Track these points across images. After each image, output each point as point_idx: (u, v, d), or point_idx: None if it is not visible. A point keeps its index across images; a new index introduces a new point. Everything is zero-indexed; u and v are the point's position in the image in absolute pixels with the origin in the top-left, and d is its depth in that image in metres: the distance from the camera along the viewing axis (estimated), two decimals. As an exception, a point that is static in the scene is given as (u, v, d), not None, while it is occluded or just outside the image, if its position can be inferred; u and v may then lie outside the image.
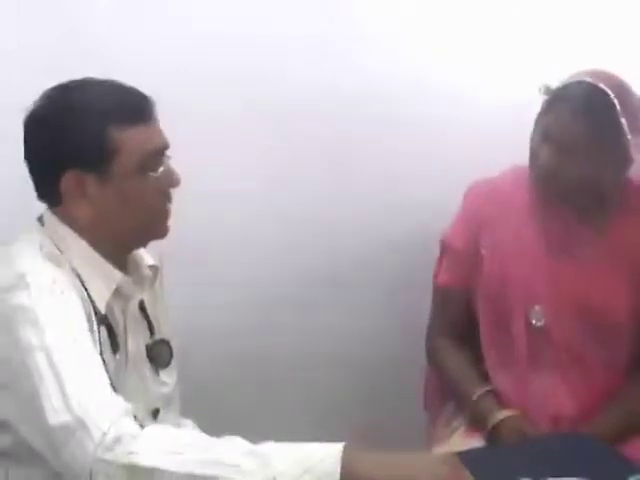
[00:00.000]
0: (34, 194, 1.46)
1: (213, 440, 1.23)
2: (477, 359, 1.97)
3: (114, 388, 1.30)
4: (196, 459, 1.18)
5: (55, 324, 1.27)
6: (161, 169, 1.43)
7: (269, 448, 1.22)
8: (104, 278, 1.42)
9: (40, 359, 1.24)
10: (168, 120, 1.47)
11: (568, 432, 1.79)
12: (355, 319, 2.25)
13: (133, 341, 1.50)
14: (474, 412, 1.90)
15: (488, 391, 1.90)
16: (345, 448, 1.22)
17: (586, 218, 1.87)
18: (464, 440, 1.88)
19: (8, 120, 1.45)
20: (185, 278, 1.94)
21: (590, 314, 1.85)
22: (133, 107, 1.41)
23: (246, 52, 2.02)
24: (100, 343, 1.38)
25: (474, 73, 2.18)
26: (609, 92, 1.74)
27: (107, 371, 1.32)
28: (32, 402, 1.23)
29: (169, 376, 1.58)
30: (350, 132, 2.14)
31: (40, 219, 1.46)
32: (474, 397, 1.89)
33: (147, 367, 1.53)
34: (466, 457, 1.62)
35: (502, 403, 1.89)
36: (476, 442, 1.85)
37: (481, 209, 1.95)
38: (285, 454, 1.21)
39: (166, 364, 1.56)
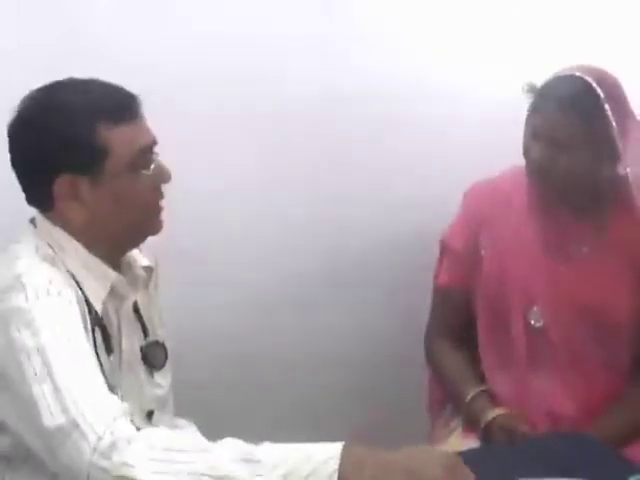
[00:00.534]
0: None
1: (208, 446, 1.21)
2: (475, 360, 1.97)
3: (111, 389, 1.30)
4: (190, 471, 1.16)
5: (51, 325, 1.27)
6: (152, 166, 1.43)
7: (265, 452, 1.20)
8: (99, 278, 1.42)
9: (36, 361, 1.24)
10: (167, 120, 1.47)
11: (568, 432, 1.79)
12: (355, 319, 2.25)
13: (127, 342, 1.49)
14: (468, 412, 1.90)
15: (482, 391, 1.91)
16: (344, 448, 1.21)
17: (584, 218, 1.87)
18: (462, 441, 1.88)
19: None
20: (184, 278, 1.94)
21: (589, 314, 1.85)
22: (120, 106, 1.41)
23: (246, 52, 2.02)
24: (95, 344, 1.38)
25: (474, 73, 2.18)
26: (593, 83, 1.75)
27: (103, 372, 1.32)
28: (28, 404, 1.22)
29: (163, 378, 1.57)
30: (350, 132, 2.14)
31: (32, 221, 1.45)
32: (468, 397, 1.90)
33: (141, 369, 1.52)
34: (465, 457, 1.62)
35: (498, 403, 1.89)
36: (474, 443, 1.85)
37: (481, 209, 1.95)
38: (281, 459, 1.19)
39: (160, 366, 1.56)
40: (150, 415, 1.53)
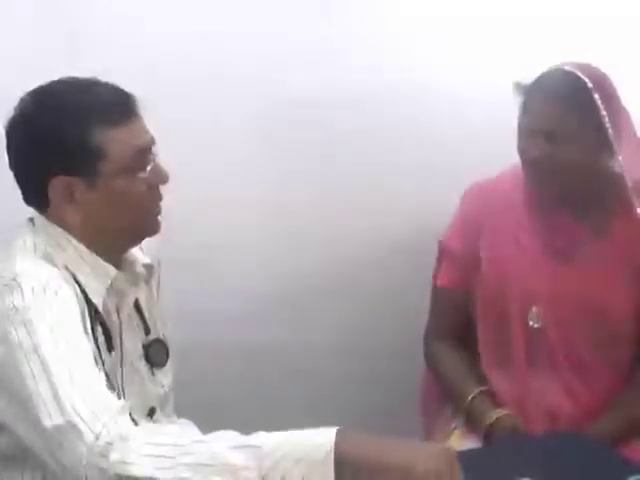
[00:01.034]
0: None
1: (204, 438, 1.20)
2: (474, 361, 1.97)
3: (112, 387, 1.30)
4: (189, 463, 1.15)
5: (48, 324, 1.26)
6: (149, 167, 1.42)
7: (260, 439, 1.20)
8: (98, 275, 1.41)
9: (33, 360, 1.23)
10: (166, 121, 1.47)
11: (567, 432, 1.79)
12: (355, 320, 2.25)
13: (128, 340, 1.49)
14: (469, 413, 1.90)
15: (482, 392, 1.90)
16: (338, 432, 1.20)
17: (584, 219, 1.87)
18: (462, 441, 1.88)
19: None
20: (184, 280, 1.94)
21: (589, 315, 1.85)
22: (116, 107, 1.39)
23: (246, 53, 2.02)
24: (97, 342, 1.38)
25: (474, 73, 2.17)
26: (580, 74, 1.76)
27: (105, 370, 1.32)
28: (27, 404, 1.22)
29: (165, 376, 1.57)
30: (349, 133, 2.14)
31: (31, 220, 1.45)
32: (468, 398, 1.90)
33: (143, 366, 1.52)
34: (465, 457, 1.62)
35: (498, 403, 1.89)
36: (474, 443, 1.85)
37: (479, 210, 1.95)
38: (277, 444, 1.19)
39: (162, 364, 1.55)
40: (152, 413, 1.53)
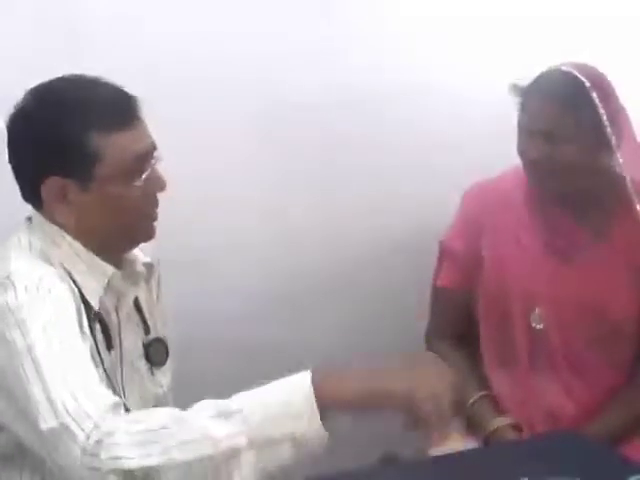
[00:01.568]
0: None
1: (185, 415, 1.18)
2: (475, 361, 1.97)
3: (111, 386, 1.30)
4: (176, 444, 1.15)
5: (42, 324, 1.26)
6: (145, 175, 1.40)
7: (240, 402, 1.20)
8: (95, 273, 1.40)
9: (27, 362, 1.22)
10: (166, 122, 1.46)
11: (568, 432, 1.79)
12: (355, 320, 2.25)
13: (128, 339, 1.48)
14: (469, 417, 1.90)
15: (484, 396, 1.90)
16: (314, 370, 1.23)
17: (585, 219, 1.87)
18: (462, 441, 1.87)
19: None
20: (184, 280, 1.93)
21: (590, 316, 1.85)
22: (118, 111, 1.38)
23: (245, 53, 2.02)
24: (95, 340, 1.37)
25: (474, 73, 2.18)
26: (577, 73, 1.77)
27: (104, 369, 1.31)
28: (23, 406, 1.22)
29: (164, 376, 1.56)
30: (349, 133, 2.14)
31: (29, 219, 1.44)
32: (469, 402, 1.89)
33: (143, 365, 1.51)
34: (465, 457, 1.62)
35: (499, 406, 1.89)
36: (474, 443, 1.85)
37: (480, 210, 1.95)
38: (257, 403, 1.19)
39: (162, 363, 1.55)
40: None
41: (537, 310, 1.87)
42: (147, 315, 1.55)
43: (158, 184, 1.42)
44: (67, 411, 1.18)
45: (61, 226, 1.40)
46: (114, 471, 1.14)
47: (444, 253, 2.02)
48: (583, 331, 1.86)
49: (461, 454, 1.72)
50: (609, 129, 1.75)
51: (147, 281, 1.55)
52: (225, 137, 2.03)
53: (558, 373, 1.88)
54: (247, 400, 1.21)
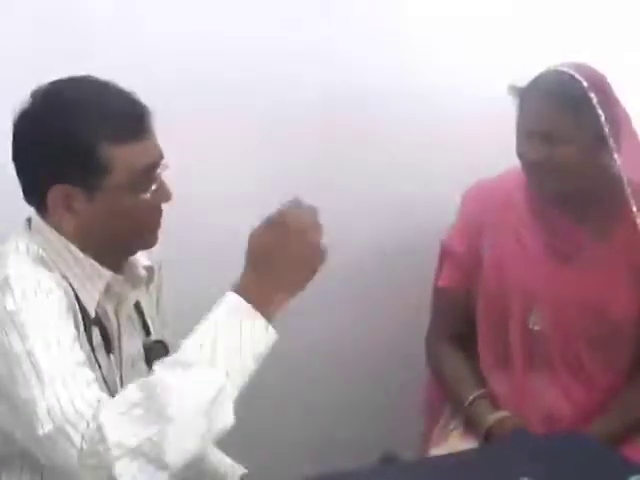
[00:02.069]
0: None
1: (151, 384, 1.20)
2: (475, 361, 1.97)
3: (108, 389, 1.30)
4: (159, 409, 1.17)
5: (40, 328, 1.25)
6: (153, 187, 1.39)
7: (191, 352, 1.23)
8: (93, 278, 1.40)
9: (26, 366, 1.22)
10: (166, 121, 1.46)
11: (567, 432, 1.79)
12: (355, 319, 2.24)
13: (128, 342, 1.48)
14: (468, 415, 1.90)
15: (482, 394, 1.90)
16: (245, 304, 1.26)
17: (585, 220, 1.87)
18: (462, 440, 1.88)
19: (7, 121, 1.44)
20: (184, 280, 1.93)
21: (589, 317, 1.85)
22: (129, 124, 1.37)
23: (245, 53, 2.02)
24: (93, 344, 1.37)
25: (474, 72, 2.17)
26: (575, 74, 1.77)
27: (101, 373, 1.31)
28: (21, 410, 1.22)
29: None
30: (349, 133, 2.14)
31: (28, 221, 1.43)
32: (468, 400, 1.90)
33: (144, 368, 1.50)
34: (465, 457, 1.62)
35: (497, 405, 1.89)
36: (474, 443, 1.85)
37: (481, 210, 1.95)
38: (208, 347, 1.22)
39: None
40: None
41: (536, 311, 1.87)
42: (148, 318, 1.55)
43: (164, 195, 1.42)
44: (64, 414, 1.18)
45: (62, 232, 1.39)
46: (119, 459, 1.15)
47: (444, 253, 2.02)
48: (582, 332, 1.86)
49: (461, 454, 1.73)
50: (608, 129, 1.75)
51: (147, 284, 1.55)
52: (225, 137, 2.03)
53: (556, 374, 1.88)
54: (196, 347, 1.23)
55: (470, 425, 1.90)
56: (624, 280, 1.86)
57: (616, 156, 1.76)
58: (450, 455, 1.77)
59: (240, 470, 1.69)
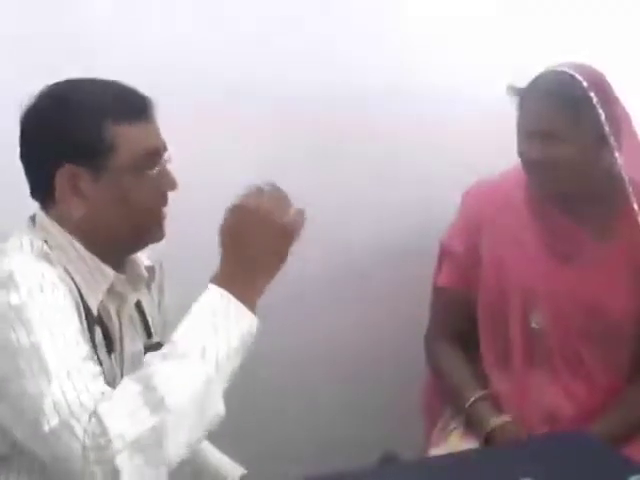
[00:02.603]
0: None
1: (149, 380, 1.21)
2: (475, 361, 1.97)
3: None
4: (161, 398, 1.19)
5: (46, 323, 1.25)
6: (157, 170, 1.41)
7: (183, 345, 1.25)
8: (97, 277, 1.40)
9: (34, 361, 1.22)
10: (167, 120, 1.46)
11: (568, 432, 1.79)
12: (355, 319, 2.24)
13: (129, 342, 1.48)
14: (469, 417, 1.90)
15: (483, 396, 1.90)
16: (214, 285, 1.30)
17: (585, 220, 1.86)
18: (462, 441, 1.88)
19: (7, 120, 1.44)
20: (184, 280, 1.93)
21: (590, 316, 1.85)
22: (132, 105, 1.40)
23: (246, 53, 2.02)
24: (95, 343, 1.37)
25: (474, 72, 2.18)
26: (575, 73, 1.77)
27: (103, 372, 1.32)
28: (25, 406, 1.22)
29: None
30: (350, 132, 2.14)
31: (32, 218, 1.43)
32: (469, 402, 1.89)
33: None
34: (465, 457, 1.62)
35: (499, 406, 1.89)
36: (474, 443, 1.85)
37: (480, 210, 1.95)
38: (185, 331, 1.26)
39: None
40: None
41: (536, 310, 1.87)
42: (150, 318, 1.55)
43: (169, 182, 1.43)
44: (69, 407, 1.18)
45: (68, 222, 1.40)
46: (120, 451, 1.15)
47: (444, 252, 2.02)
48: (582, 331, 1.86)
49: (461, 454, 1.73)
50: (608, 129, 1.75)
51: (148, 285, 1.55)
52: (224, 136, 2.03)
53: (557, 373, 1.88)
54: (189, 342, 1.26)
55: (470, 426, 1.89)
56: (624, 279, 1.86)
57: (617, 155, 1.76)
58: (450, 455, 1.77)
59: (240, 470, 1.69)
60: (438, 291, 2.03)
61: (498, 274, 1.91)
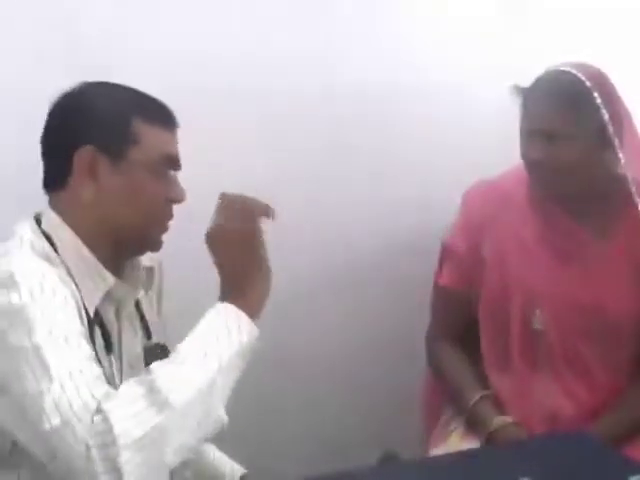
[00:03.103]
0: (32, 195, 1.45)
1: (152, 384, 1.23)
2: (476, 361, 1.97)
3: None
4: (164, 401, 1.21)
5: (47, 323, 1.25)
6: (170, 176, 1.46)
7: (182, 351, 1.29)
8: (96, 279, 1.41)
9: (35, 361, 1.22)
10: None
11: (568, 432, 1.79)
12: (355, 319, 2.24)
13: (128, 343, 1.48)
14: (471, 418, 1.90)
15: (485, 396, 1.90)
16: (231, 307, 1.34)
17: (587, 220, 1.86)
18: (462, 441, 1.87)
19: (7, 121, 1.44)
20: (184, 280, 1.93)
21: (591, 316, 1.85)
22: (163, 111, 1.46)
23: (246, 52, 2.02)
24: (94, 343, 1.37)
25: (474, 72, 2.18)
26: (577, 73, 1.76)
27: (103, 373, 1.32)
28: (26, 406, 1.21)
29: None
30: (350, 132, 2.14)
31: (37, 217, 1.44)
32: (471, 403, 1.89)
33: (143, 370, 1.51)
34: (465, 457, 1.62)
35: (501, 406, 1.89)
36: (475, 443, 1.85)
37: (482, 210, 1.94)
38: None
39: None
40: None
41: (537, 310, 1.87)
42: (149, 320, 1.55)
43: (178, 192, 1.47)
44: (71, 408, 1.19)
45: (75, 208, 1.41)
46: (125, 450, 1.16)
47: (445, 252, 2.02)
48: (583, 330, 1.86)
49: (461, 454, 1.72)
50: (611, 128, 1.75)
51: (148, 286, 1.56)
52: (225, 137, 2.03)
53: (558, 373, 1.88)
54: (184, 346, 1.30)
55: (472, 426, 1.89)
56: (626, 279, 1.85)
57: (620, 154, 1.76)
58: (450, 455, 1.77)
59: (240, 470, 1.69)
60: (439, 291, 2.03)
61: (499, 274, 1.90)
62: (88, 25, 1.90)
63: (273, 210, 1.43)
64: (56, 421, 1.18)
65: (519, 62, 2.10)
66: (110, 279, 1.42)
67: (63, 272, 1.37)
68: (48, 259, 1.37)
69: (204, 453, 1.67)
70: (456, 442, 1.88)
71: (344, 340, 2.24)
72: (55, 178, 1.44)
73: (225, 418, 1.29)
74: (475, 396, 1.90)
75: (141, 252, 1.50)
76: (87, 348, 1.29)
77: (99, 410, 1.18)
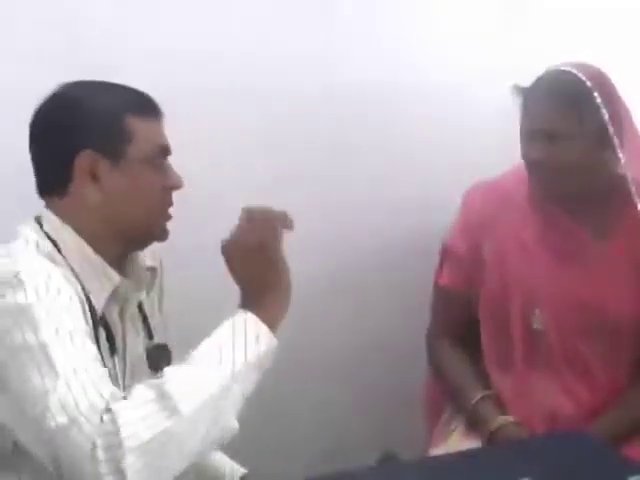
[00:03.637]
0: (32, 195, 1.45)
1: (162, 390, 1.22)
2: (477, 360, 1.97)
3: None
4: (175, 406, 1.20)
5: (53, 322, 1.26)
6: (166, 167, 1.47)
7: (197, 356, 1.29)
8: (102, 279, 1.41)
9: (38, 359, 1.22)
10: (167, 119, 1.47)
11: (568, 432, 1.79)
12: (355, 319, 2.24)
13: (131, 344, 1.49)
14: (472, 417, 1.90)
15: (486, 396, 1.90)
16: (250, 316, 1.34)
17: (587, 220, 1.86)
18: (463, 440, 1.87)
19: (8, 121, 1.44)
20: (184, 280, 1.93)
21: (591, 317, 1.85)
22: (149, 104, 1.47)
23: (246, 52, 2.02)
24: (98, 344, 1.37)
25: (474, 72, 2.18)
26: (578, 73, 1.77)
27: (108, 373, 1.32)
28: (30, 405, 1.21)
29: None
30: (350, 132, 2.14)
31: (38, 219, 1.44)
32: (472, 402, 1.89)
33: (146, 371, 1.50)
34: (465, 457, 1.62)
35: (501, 406, 1.88)
36: (475, 442, 1.85)
37: (482, 210, 1.94)
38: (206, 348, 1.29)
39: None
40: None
41: (537, 309, 1.87)
42: (151, 320, 1.55)
43: (175, 179, 1.48)
44: (77, 407, 1.18)
45: (80, 213, 1.41)
46: (130, 452, 1.15)
47: (446, 252, 2.02)
48: (583, 330, 1.86)
49: (461, 454, 1.72)
50: (611, 128, 1.75)
51: (150, 286, 1.56)
52: (225, 137, 2.03)
53: (558, 372, 1.88)
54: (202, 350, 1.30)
55: (473, 426, 1.89)
56: (626, 279, 1.85)
57: (620, 154, 1.76)
58: (450, 455, 1.77)
59: (240, 471, 1.69)
60: (439, 290, 2.03)
61: (499, 274, 1.90)
62: (88, 25, 1.90)
63: (291, 220, 1.43)
64: (62, 419, 1.18)
65: (519, 62, 2.10)
66: (116, 277, 1.43)
67: (68, 272, 1.37)
68: (53, 260, 1.37)
69: None
70: (457, 441, 1.88)
71: (344, 340, 2.24)
72: (53, 185, 1.44)
73: (236, 426, 1.29)
74: (476, 395, 1.90)
75: (148, 244, 1.51)
76: (92, 348, 1.29)
77: (108, 410, 1.18)
